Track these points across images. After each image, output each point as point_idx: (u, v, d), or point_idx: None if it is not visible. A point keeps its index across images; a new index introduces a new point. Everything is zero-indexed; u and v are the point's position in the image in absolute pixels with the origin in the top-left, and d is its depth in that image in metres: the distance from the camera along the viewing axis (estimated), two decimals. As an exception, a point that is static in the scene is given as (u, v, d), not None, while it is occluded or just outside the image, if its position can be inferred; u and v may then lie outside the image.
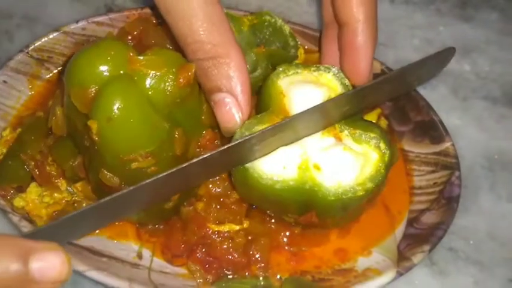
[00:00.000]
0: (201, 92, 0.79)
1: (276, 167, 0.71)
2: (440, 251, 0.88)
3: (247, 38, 0.85)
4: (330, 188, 0.70)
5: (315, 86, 0.75)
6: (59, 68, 0.98)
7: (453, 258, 0.89)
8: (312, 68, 0.76)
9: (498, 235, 0.91)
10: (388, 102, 0.97)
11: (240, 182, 0.74)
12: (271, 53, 0.83)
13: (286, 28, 0.91)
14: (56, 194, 0.80)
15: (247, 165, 0.71)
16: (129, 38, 0.87)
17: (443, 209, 0.84)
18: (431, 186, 0.89)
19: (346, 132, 0.73)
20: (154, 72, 0.69)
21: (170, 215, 0.79)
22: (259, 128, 0.70)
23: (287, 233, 0.81)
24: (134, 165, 0.68)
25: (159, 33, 0.88)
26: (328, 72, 0.76)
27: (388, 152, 0.71)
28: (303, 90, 0.74)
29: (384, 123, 0.94)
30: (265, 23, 0.88)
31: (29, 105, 0.94)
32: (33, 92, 0.95)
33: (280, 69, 0.77)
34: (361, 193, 0.70)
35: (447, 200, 0.85)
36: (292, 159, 0.72)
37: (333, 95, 0.74)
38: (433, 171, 0.90)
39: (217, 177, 0.79)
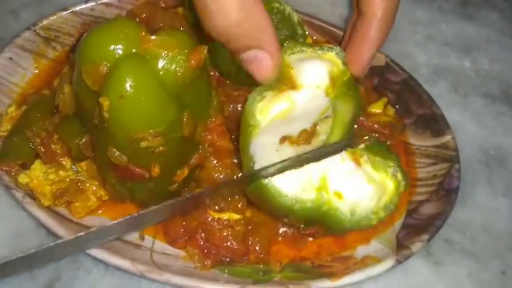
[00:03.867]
0: (210, 77, 0.79)
1: (295, 188, 0.72)
2: (437, 243, 0.89)
3: None
4: (345, 215, 0.72)
5: (320, 60, 0.77)
6: (65, 48, 0.97)
7: (449, 250, 0.90)
8: (317, 47, 0.79)
9: (493, 228, 0.93)
10: (391, 94, 0.97)
11: (254, 193, 0.74)
12: (296, 44, 0.83)
13: (295, 16, 0.89)
14: (60, 172, 0.80)
15: (265, 181, 0.71)
16: (137, 20, 0.86)
17: (443, 200, 0.85)
18: (431, 178, 0.90)
19: (365, 157, 0.73)
20: (166, 52, 0.69)
21: (172, 197, 0.75)
22: (269, 94, 0.74)
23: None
24: (143, 144, 0.68)
25: (167, 17, 0.88)
26: (332, 51, 0.79)
27: (404, 182, 0.72)
28: (308, 63, 0.76)
29: (390, 111, 0.94)
30: (274, 10, 0.87)
31: (34, 84, 0.93)
32: (38, 71, 0.95)
33: (287, 45, 0.79)
34: (374, 222, 0.72)
35: (446, 192, 0.86)
36: (311, 181, 0.72)
37: (335, 70, 0.77)
38: (433, 164, 0.91)
39: (219, 163, 0.79)
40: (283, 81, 0.76)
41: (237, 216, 0.80)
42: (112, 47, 0.67)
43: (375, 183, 0.73)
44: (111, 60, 0.66)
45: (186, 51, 0.70)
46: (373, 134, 0.90)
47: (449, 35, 1.14)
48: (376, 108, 0.93)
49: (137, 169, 0.72)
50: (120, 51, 0.67)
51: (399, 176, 0.73)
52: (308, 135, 0.76)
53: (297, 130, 0.75)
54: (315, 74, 0.76)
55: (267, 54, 0.69)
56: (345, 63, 0.78)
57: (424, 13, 1.16)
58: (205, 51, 0.71)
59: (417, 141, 0.93)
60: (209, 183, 0.79)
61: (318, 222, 0.74)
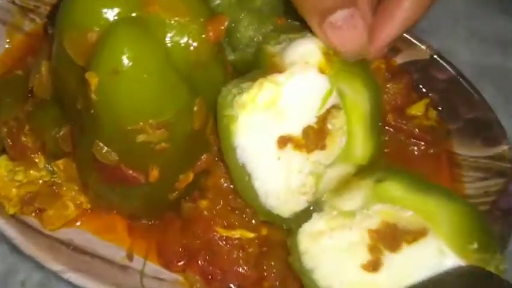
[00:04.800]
0: (226, 60, 0.66)
1: None
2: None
3: (270, 3, 0.75)
4: None
5: (308, 38, 0.66)
6: (45, 20, 0.84)
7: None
8: (304, 32, 0.67)
9: None
10: (434, 94, 0.85)
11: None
12: (291, 27, 0.72)
13: None
14: (31, 172, 0.69)
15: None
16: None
17: (499, 224, 0.72)
18: (482, 195, 0.77)
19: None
20: (177, 19, 0.55)
21: (170, 208, 0.70)
22: (248, 85, 0.62)
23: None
24: (141, 137, 0.56)
25: None
26: None
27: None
28: (293, 44, 0.66)
29: (433, 113, 0.83)
30: None
31: (6, 61, 0.82)
32: (10, 46, 0.83)
33: (270, 34, 0.69)
34: None
35: (503, 213, 0.73)
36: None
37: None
38: (484, 178, 0.78)
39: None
40: (265, 70, 0.64)
41: (250, 235, 0.70)
42: (105, 8, 0.54)
43: None
44: (103, 25, 0.54)
45: (202, 20, 0.55)
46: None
47: (490, 30, 1.01)
48: (417, 110, 0.82)
49: (130, 171, 0.60)
50: (115, 15, 0.54)
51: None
52: (316, 134, 0.65)
53: (299, 128, 0.65)
54: (302, 51, 0.64)
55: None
56: None
57: (464, 6, 1.03)
58: (226, 22, 0.56)
59: (465, 150, 0.82)
60: (216, 193, 0.70)
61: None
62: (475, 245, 0.60)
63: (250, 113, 0.62)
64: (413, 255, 0.61)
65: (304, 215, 0.67)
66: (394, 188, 0.65)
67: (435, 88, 0.86)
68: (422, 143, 0.81)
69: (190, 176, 0.65)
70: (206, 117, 0.61)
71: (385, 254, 0.62)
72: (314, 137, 0.65)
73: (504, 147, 0.79)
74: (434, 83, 0.86)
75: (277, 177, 0.64)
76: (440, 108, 0.85)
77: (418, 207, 0.63)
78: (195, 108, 0.58)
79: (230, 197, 0.69)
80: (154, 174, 0.60)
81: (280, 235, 0.70)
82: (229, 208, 0.69)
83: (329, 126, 0.66)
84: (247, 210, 0.69)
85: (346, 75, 0.66)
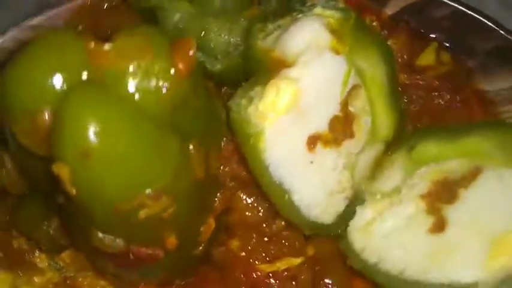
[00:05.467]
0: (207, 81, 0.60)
1: None
2: None
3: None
4: None
5: (305, 21, 0.61)
6: None
7: None
8: (294, 13, 0.63)
9: None
10: (440, 34, 0.76)
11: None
12: (267, 14, 0.67)
13: None
14: (35, 279, 0.61)
15: None
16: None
17: None
18: None
19: None
20: (135, 62, 0.44)
21: (201, 262, 0.63)
22: (257, 91, 0.57)
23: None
24: (143, 213, 0.47)
25: (114, 16, 0.71)
26: (314, 7, 0.62)
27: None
28: (292, 32, 0.60)
29: (446, 56, 0.75)
30: None
31: None
32: None
33: (255, 28, 0.63)
34: None
35: None
36: None
37: (332, 21, 0.60)
38: None
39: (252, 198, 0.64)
40: (270, 68, 0.59)
41: (297, 261, 0.64)
42: (48, 80, 0.44)
43: None
44: (52, 101, 0.44)
45: (164, 53, 0.45)
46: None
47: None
48: (427, 59, 0.75)
49: (144, 249, 0.52)
50: (62, 84, 0.44)
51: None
52: (342, 123, 0.61)
53: (324, 122, 0.60)
54: (307, 34, 0.59)
55: None
56: (340, 8, 0.62)
57: None
58: (195, 45, 0.46)
59: (494, 85, 0.73)
60: (244, 228, 0.64)
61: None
62: None
63: (275, 123, 0.57)
64: (475, 195, 0.57)
65: (348, 214, 0.63)
66: (429, 147, 0.62)
67: (439, 28, 0.77)
68: (446, 92, 0.73)
69: (212, 224, 0.58)
70: (206, 159, 0.52)
71: (446, 210, 0.58)
72: (341, 127, 0.61)
73: (538, 66, 0.71)
74: (436, 23, 0.77)
75: (314, 184, 0.60)
76: (452, 48, 0.76)
77: (461, 151, 0.60)
78: (192, 154, 0.49)
79: (264, 225, 0.64)
80: (171, 241, 0.52)
81: (328, 247, 0.66)
82: (265, 239, 0.64)
83: (351, 109, 0.61)
84: (284, 233, 0.64)
85: (361, 49, 0.61)
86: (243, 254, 0.63)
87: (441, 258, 0.54)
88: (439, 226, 0.56)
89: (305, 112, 0.58)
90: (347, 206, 0.63)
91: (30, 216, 0.59)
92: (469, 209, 0.56)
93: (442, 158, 0.60)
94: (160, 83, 0.46)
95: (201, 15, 0.65)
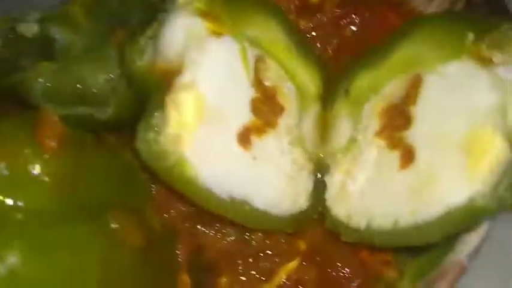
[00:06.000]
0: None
1: None
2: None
3: (93, 31, 0.61)
4: None
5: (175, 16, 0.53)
6: None
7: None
8: (159, 16, 0.54)
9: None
10: None
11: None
12: (134, 30, 0.58)
13: None
14: None
15: None
16: None
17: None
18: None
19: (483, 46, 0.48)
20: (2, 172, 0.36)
21: None
22: (159, 114, 0.49)
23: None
24: None
25: None
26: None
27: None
28: (167, 36, 0.52)
29: None
30: None
31: None
32: None
33: (128, 50, 0.54)
34: None
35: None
36: None
37: (199, 5, 0.52)
38: None
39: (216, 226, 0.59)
40: (160, 86, 0.51)
41: (294, 264, 0.59)
42: None
43: None
44: None
45: (29, 141, 0.38)
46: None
47: None
48: None
49: None
50: None
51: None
52: (265, 103, 0.55)
53: (245, 111, 0.53)
54: (181, 32, 0.51)
55: None
56: None
57: None
58: (55, 115, 0.39)
59: None
60: (225, 261, 0.58)
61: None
62: (470, 37, 0.48)
63: (192, 141, 0.49)
64: (427, 106, 0.51)
65: (320, 188, 0.57)
66: (362, 81, 0.56)
67: None
68: (354, 16, 0.66)
69: (186, 279, 0.53)
70: (141, 222, 0.45)
71: (407, 136, 0.52)
72: (265, 107, 0.54)
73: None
74: None
75: (269, 178, 0.54)
76: None
77: (394, 69, 0.54)
78: (119, 231, 0.41)
79: (243, 249, 0.58)
80: None
81: (319, 232, 0.60)
82: (250, 260, 0.58)
83: (267, 83, 0.55)
84: (267, 241, 0.58)
85: (243, 19, 0.55)
86: (238, 285, 0.57)
87: (425, 190, 0.47)
88: (408, 157, 0.50)
89: (219, 112, 0.52)
90: (315, 181, 0.57)
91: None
92: (427, 125, 0.50)
93: (379, 85, 0.54)
94: (37, 174, 0.39)
95: (67, 67, 0.57)
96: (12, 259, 0.36)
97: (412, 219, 0.47)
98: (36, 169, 0.38)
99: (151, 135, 0.47)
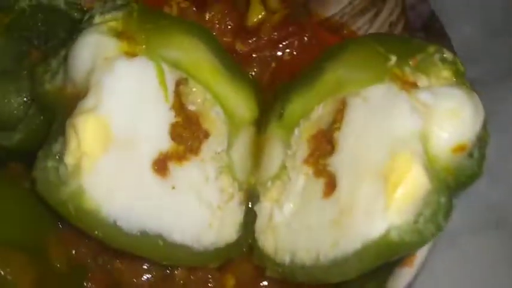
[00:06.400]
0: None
1: None
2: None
3: (9, 51, 0.58)
4: None
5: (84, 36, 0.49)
6: None
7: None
8: (75, 36, 0.49)
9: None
10: None
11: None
12: (49, 51, 0.56)
13: (60, 0, 0.62)
14: None
15: None
16: None
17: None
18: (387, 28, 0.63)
19: (408, 69, 0.47)
20: None
21: None
22: (61, 141, 0.45)
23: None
24: None
25: None
26: (93, 19, 0.50)
27: (456, 58, 0.47)
28: (74, 56, 0.48)
29: (274, 3, 0.66)
30: (27, 12, 0.60)
31: None
32: None
33: (38, 72, 0.50)
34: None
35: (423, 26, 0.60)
36: None
37: (114, 24, 0.49)
38: (376, 15, 0.64)
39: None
40: (66, 110, 0.47)
41: None
42: None
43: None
44: None
45: None
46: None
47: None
48: (256, 15, 0.65)
49: None
50: None
51: (447, 55, 0.46)
52: (186, 128, 0.51)
53: (163, 137, 0.49)
54: (87, 53, 0.47)
55: None
56: (118, 6, 0.51)
57: None
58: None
59: (334, 7, 0.67)
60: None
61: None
62: (393, 59, 0.46)
63: (93, 170, 0.44)
64: (349, 132, 0.47)
65: (250, 219, 0.53)
66: (295, 105, 0.54)
67: None
68: (291, 39, 0.65)
69: None
70: (27, 259, 0.40)
71: (331, 163, 0.48)
72: (187, 131, 0.51)
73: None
74: None
75: (191, 208, 0.49)
76: None
77: (322, 93, 0.51)
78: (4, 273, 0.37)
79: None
80: None
81: (248, 268, 0.55)
82: None
83: (191, 107, 0.52)
84: (192, 277, 0.54)
85: (162, 39, 0.51)
86: None
87: (344, 222, 0.43)
88: (331, 185, 0.46)
89: (130, 138, 0.47)
90: (246, 211, 0.53)
91: None
92: (349, 151, 0.46)
93: (308, 108, 0.51)
94: None
95: None
96: None
97: (332, 253, 0.43)
98: None
99: (50, 163, 0.43)
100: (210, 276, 0.54)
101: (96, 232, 0.44)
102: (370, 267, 0.41)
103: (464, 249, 0.63)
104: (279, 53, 0.64)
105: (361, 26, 0.66)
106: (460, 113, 0.41)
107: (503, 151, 0.65)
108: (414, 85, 0.44)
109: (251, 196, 0.54)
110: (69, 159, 0.43)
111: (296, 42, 0.65)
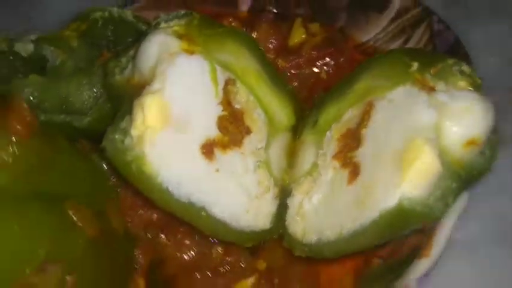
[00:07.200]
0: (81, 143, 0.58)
1: None
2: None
3: (83, 53, 0.67)
4: None
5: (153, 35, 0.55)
6: None
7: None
8: (142, 39, 0.56)
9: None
10: (300, 8, 0.76)
11: None
12: (119, 52, 0.63)
13: (127, 13, 0.71)
14: None
15: None
16: None
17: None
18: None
19: (428, 75, 0.52)
20: None
21: None
22: (128, 118, 0.52)
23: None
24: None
25: None
26: (159, 25, 0.57)
27: (474, 71, 0.52)
28: (144, 53, 0.55)
29: (314, 27, 0.74)
30: (99, 22, 0.69)
31: None
32: None
33: (110, 66, 0.57)
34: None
35: (451, 48, 0.65)
36: None
37: (178, 29, 0.56)
38: (406, 40, 0.70)
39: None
40: (133, 96, 0.53)
41: (249, 281, 0.60)
42: None
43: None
44: None
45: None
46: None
47: None
48: (297, 36, 0.74)
49: None
50: None
51: (465, 68, 0.51)
52: (232, 122, 0.57)
53: (211, 125, 0.56)
54: (154, 50, 0.54)
55: None
56: (181, 14, 0.58)
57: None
58: (26, 106, 0.43)
59: (368, 33, 0.73)
60: (184, 274, 0.59)
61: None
62: (415, 66, 0.52)
63: (152, 139, 0.50)
64: (375, 127, 0.53)
65: (282, 211, 0.59)
66: (329, 112, 0.59)
67: (297, 4, 0.77)
68: (328, 59, 0.72)
69: (141, 283, 0.56)
70: (99, 216, 0.49)
71: (357, 155, 0.54)
72: (232, 125, 0.57)
73: (396, 1, 0.70)
74: (288, 2, 0.77)
75: (231, 191, 0.55)
76: (317, 17, 0.75)
77: (353, 99, 0.57)
78: (73, 217, 0.44)
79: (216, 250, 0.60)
80: None
81: (278, 252, 0.61)
82: (208, 274, 0.59)
83: (237, 105, 0.58)
84: (227, 258, 0.60)
85: (217, 44, 0.57)
86: None
87: (366, 200, 0.49)
88: (355, 172, 0.52)
89: (185, 121, 0.54)
90: (279, 205, 0.59)
91: None
92: (373, 143, 0.52)
93: (340, 114, 0.58)
94: (6, 155, 0.42)
95: (55, 82, 0.62)
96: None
97: (353, 227, 0.49)
98: (6, 150, 0.42)
99: (117, 136, 0.50)
100: (243, 259, 0.60)
101: (152, 194, 0.50)
102: (386, 234, 0.46)
103: (482, 260, 0.66)
104: (317, 70, 0.71)
105: (382, 41, 0.72)
106: (472, 111, 0.46)
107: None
108: (433, 88, 0.49)
109: (284, 192, 0.60)
110: (135, 132, 0.50)
111: (332, 62, 0.71)
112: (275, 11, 0.77)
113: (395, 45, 0.71)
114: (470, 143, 0.47)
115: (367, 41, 0.73)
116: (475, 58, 0.69)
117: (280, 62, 0.72)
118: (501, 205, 0.68)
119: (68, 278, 0.43)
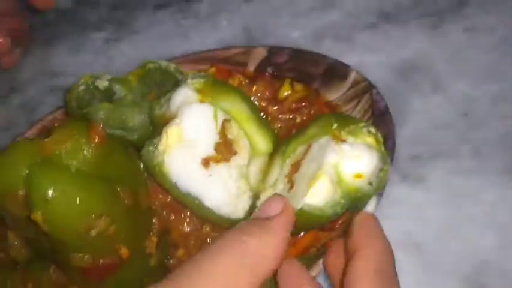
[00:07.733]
0: (125, 145, 0.83)
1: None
2: (405, 162, 0.93)
3: (139, 91, 0.88)
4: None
5: (181, 89, 0.80)
6: None
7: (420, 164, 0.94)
8: (176, 87, 0.80)
9: (440, 119, 0.98)
10: (289, 73, 0.99)
11: None
12: (161, 93, 0.86)
13: (171, 66, 0.95)
14: None
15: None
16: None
17: (381, 123, 0.87)
18: (364, 114, 0.92)
19: (343, 132, 0.76)
20: (66, 145, 0.71)
21: (159, 273, 0.76)
22: (158, 138, 0.77)
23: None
24: (94, 232, 0.67)
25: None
26: (187, 80, 0.80)
27: (377, 132, 0.75)
28: (174, 98, 0.80)
29: (298, 86, 0.95)
30: (152, 71, 0.89)
31: None
32: None
33: (154, 104, 0.82)
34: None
35: (379, 115, 0.89)
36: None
37: (197, 85, 0.79)
38: (357, 102, 0.94)
39: (182, 215, 0.81)
40: (164, 125, 0.77)
41: None
42: (16, 172, 0.69)
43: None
44: (22, 183, 0.68)
45: (84, 134, 0.73)
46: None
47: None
48: (285, 91, 0.92)
49: (106, 260, 0.71)
50: (26, 170, 0.67)
51: (371, 129, 0.75)
52: (224, 146, 0.78)
53: (210, 148, 0.78)
54: (181, 97, 0.78)
55: None
56: (202, 76, 0.81)
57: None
58: (101, 125, 0.74)
59: (333, 94, 0.93)
60: (184, 239, 0.80)
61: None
62: (334, 125, 0.75)
63: (170, 153, 0.73)
64: (307, 160, 0.77)
65: (252, 208, 0.80)
66: (291, 146, 0.81)
67: (288, 69, 0.98)
68: (304, 110, 0.93)
69: (154, 239, 0.75)
70: (136, 196, 0.76)
71: (295, 177, 0.78)
72: (224, 148, 0.77)
73: (353, 74, 0.95)
74: (283, 65, 0.98)
75: (218, 190, 0.76)
76: (300, 79, 0.97)
77: (303, 140, 0.81)
78: (119, 190, 0.75)
79: (197, 234, 0.80)
80: (124, 252, 0.71)
81: None
82: (199, 242, 0.79)
83: (230, 136, 0.78)
84: (213, 234, 0.79)
85: (222, 96, 0.79)
86: (189, 256, 0.76)
87: (292, 204, 0.69)
88: (291, 187, 0.74)
89: (192, 144, 0.74)
90: (251, 204, 0.82)
91: (34, 270, 0.77)
92: (303, 170, 0.74)
93: (295, 149, 0.79)
94: (85, 152, 0.71)
95: (118, 108, 0.85)
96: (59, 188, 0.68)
97: None
98: (86, 149, 0.70)
99: (151, 148, 0.72)
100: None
101: (166, 186, 0.73)
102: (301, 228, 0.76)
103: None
104: (293, 116, 0.92)
105: (348, 109, 0.93)
106: (359, 156, 0.71)
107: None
108: (343, 141, 0.75)
109: (256, 196, 0.81)
110: (161, 147, 0.72)
111: (306, 111, 0.93)
112: (272, 72, 0.99)
113: (351, 105, 0.92)
114: (357, 176, 0.73)
115: (333, 100, 0.94)
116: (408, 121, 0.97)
117: (270, 108, 0.92)
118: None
119: (111, 227, 0.68)
